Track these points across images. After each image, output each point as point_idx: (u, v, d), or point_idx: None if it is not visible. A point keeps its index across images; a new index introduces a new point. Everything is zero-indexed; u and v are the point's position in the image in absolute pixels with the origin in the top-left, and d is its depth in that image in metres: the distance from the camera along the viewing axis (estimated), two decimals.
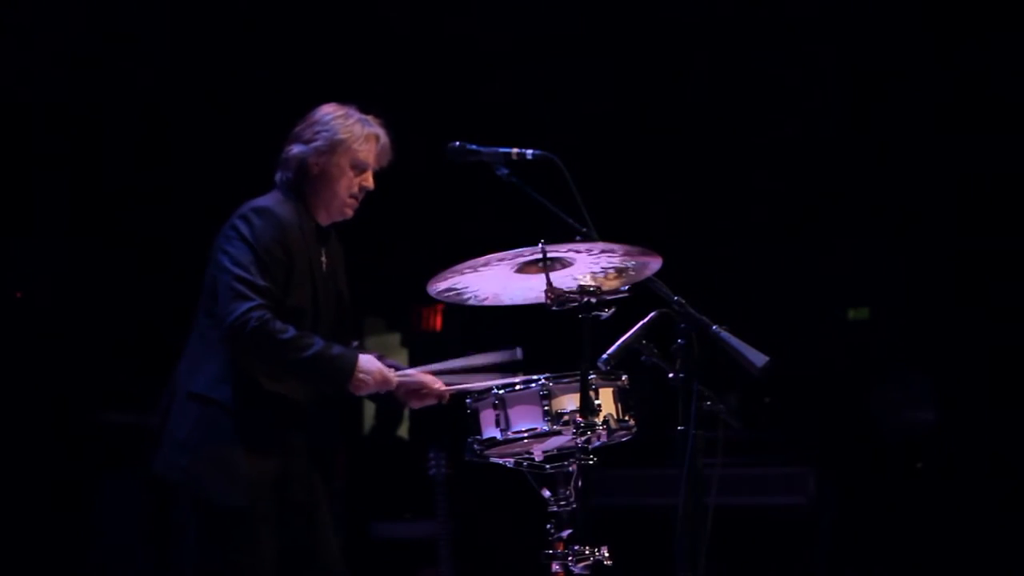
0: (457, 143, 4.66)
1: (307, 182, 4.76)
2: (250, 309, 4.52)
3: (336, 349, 4.62)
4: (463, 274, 4.45)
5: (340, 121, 4.77)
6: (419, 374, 4.78)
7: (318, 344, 4.58)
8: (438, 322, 8.57)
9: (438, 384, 4.77)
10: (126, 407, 7.63)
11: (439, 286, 4.53)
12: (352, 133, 4.76)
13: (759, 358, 4.36)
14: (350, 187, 4.78)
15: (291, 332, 4.54)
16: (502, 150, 4.62)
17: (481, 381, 4.66)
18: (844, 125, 8.48)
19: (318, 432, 4.79)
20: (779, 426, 7.92)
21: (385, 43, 8.36)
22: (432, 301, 4.76)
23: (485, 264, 4.40)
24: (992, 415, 7.99)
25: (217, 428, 4.61)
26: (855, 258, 8.60)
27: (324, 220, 4.83)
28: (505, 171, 4.61)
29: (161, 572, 7.35)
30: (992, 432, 7.97)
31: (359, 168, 4.79)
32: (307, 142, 4.75)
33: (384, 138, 4.83)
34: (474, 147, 4.65)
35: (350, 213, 4.83)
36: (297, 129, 4.81)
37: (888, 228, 8.47)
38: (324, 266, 4.80)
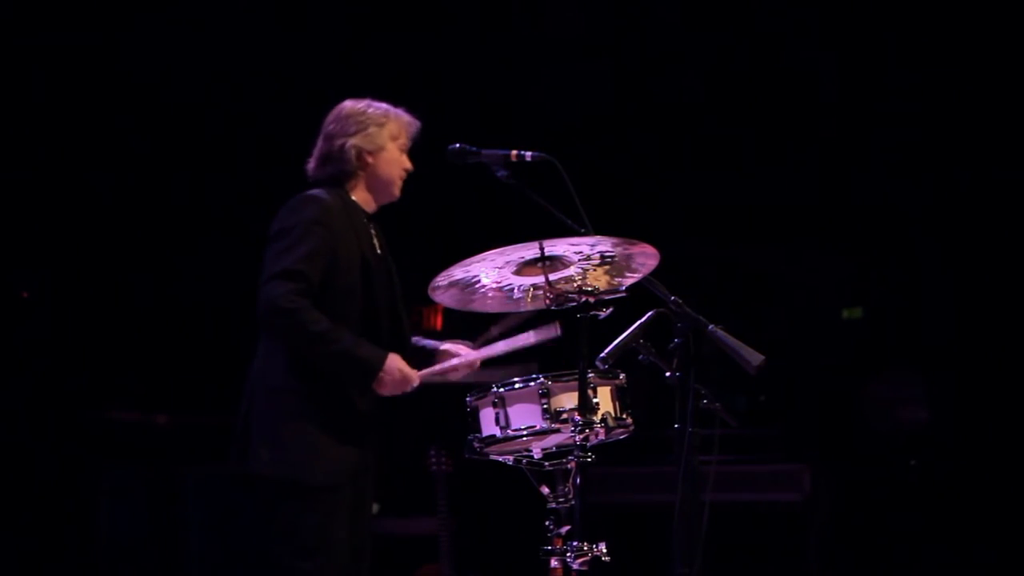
0: (458, 145, 4.71)
1: (361, 170, 4.88)
2: (283, 294, 4.57)
3: (364, 348, 4.66)
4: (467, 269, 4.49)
5: (377, 111, 4.92)
6: (445, 362, 4.84)
7: (348, 340, 4.63)
8: (438, 322, 8.59)
9: (466, 351, 4.83)
10: (131, 405, 7.66)
11: (439, 285, 4.58)
12: (391, 119, 4.92)
13: (755, 357, 4.42)
14: (401, 164, 4.93)
15: (324, 324, 4.59)
16: (501, 152, 4.66)
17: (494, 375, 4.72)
18: (840, 124, 8.53)
19: (377, 425, 4.84)
20: (774, 424, 7.95)
21: (385, 43, 8.40)
22: (432, 301, 4.79)
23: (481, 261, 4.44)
24: (983, 413, 8.04)
25: (301, 416, 4.64)
26: (849, 259, 8.64)
27: (372, 206, 4.93)
28: (504, 173, 4.65)
29: (165, 568, 7.38)
30: (983, 430, 8.01)
31: (403, 147, 4.93)
32: (355, 133, 4.87)
33: (407, 116, 4.97)
34: (474, 149, 4.69)
35: (398, 193, 4.96)
36: (332, 126, 4.92)
37: (882, 228, 8.51)
38: (378, 248, 4.89)
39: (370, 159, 4.87)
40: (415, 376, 4.75)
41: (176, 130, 8.15)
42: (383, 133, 4.89)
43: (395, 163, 4.91)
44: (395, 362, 4.69)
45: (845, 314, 8.73)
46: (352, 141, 4.87)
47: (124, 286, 8.07)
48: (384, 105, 4.95)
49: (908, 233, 8.48)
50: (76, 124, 7.92)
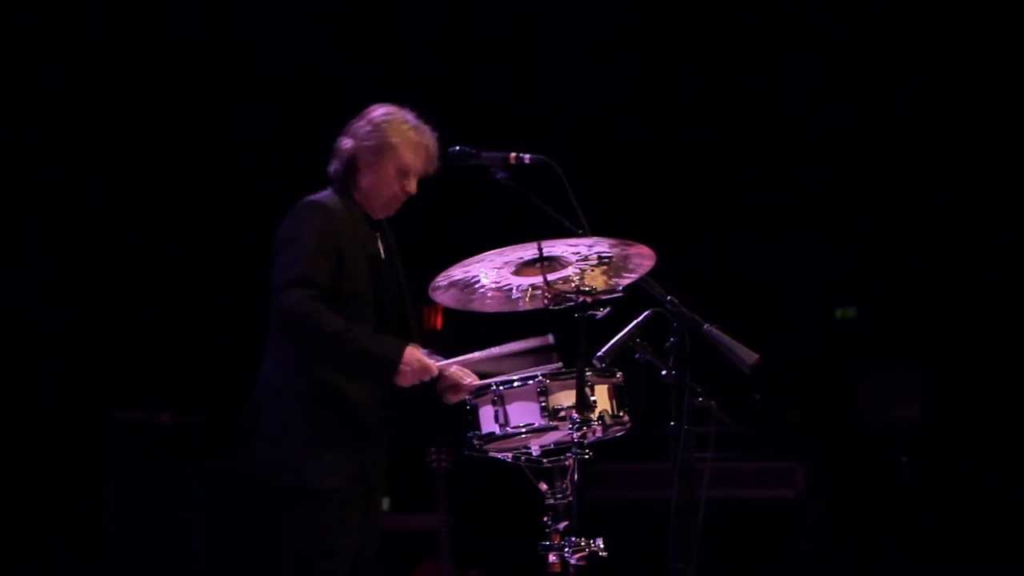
0: (458, 148, 4.74)
1: (354, 176, 4.87)
2: (296, 301, 4.62)
3: (381, 341, 4.71)
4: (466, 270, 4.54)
5: (394, 125, 4.86)
6: (455, 370, 4.83)
7: (364, 337, 4.67)
8: (438, 321, 8.63)
9: (470, 379, 4.82)
10: (135, 404, 7.69)
11: (440, 285, 4.62)
12: (403, 139, 4.85)
13: (749, 356, 4.48)
14: (394, 190, 4.88)
15: (339, 324, 4.64)
16: (501, 154, 4.69)
17: (515, 370, 4.70)
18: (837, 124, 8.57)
19: (385, 426, 4.90)
20: (769, 422, 7.99)
21: (385, 43, 8.43)
22: (433, 301, 4.84)
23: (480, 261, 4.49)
24: (975, 411, 8.07)
25: (304, 418, 4.70)
26: (843, 258, 8.67)
27: (376, 213, 4.92)
28: (504, 175, 4.68)
29: (170, 566, 7.41)
30: (975, 427, 8.05)
31: (405, 174, 4.88)
32: (359, 138, 4.86)
33: (433, 148, 4.90)
34: (474, 151, 4.71)
35: (391, 212, 4.94)
36: (352, 124, 4.91)
37: (876, 228, 8.55)
38: (382, 253, 4.90)
39: (365, 171, 4.87)
40: (434, 366, 4.77)
41: (175, 129, 8.19)
42: (388, 155, 4.84)
43: (388, 189, 4.87)
44: (413, 353, 4.72)
45: (838, 314, 8.77)
46: (355, 146, 4.87)
47: (129, 285, 8.10)
48: (410, 126, 4.87)
49: (903, 232, 8.51)
50: (77, 124, 7.97)
